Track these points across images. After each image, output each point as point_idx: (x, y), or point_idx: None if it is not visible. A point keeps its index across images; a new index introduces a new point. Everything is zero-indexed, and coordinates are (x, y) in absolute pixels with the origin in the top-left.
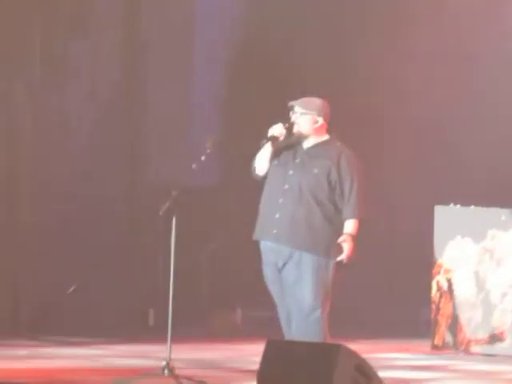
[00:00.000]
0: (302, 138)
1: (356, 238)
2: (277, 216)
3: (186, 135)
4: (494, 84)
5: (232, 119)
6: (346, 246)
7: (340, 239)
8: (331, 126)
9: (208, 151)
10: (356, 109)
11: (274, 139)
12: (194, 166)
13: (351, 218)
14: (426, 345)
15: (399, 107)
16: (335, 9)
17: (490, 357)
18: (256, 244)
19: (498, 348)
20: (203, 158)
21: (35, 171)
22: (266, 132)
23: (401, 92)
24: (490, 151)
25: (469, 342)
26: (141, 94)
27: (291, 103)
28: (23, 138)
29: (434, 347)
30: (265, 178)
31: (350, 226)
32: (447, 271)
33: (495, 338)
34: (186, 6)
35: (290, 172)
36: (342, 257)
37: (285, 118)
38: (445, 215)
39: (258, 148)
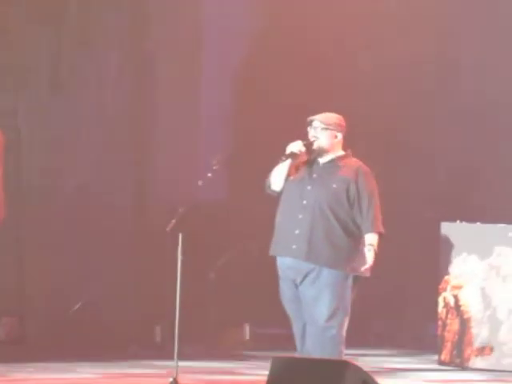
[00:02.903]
0: (322, 153)
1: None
2: (296, 232)
3: (194, 151)
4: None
5: (240, 134)
6: (370, 256)
7: (365, 249)
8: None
9: (215, 168)
10: (363, 124)
11: (293, 156)
12: (200, 182)
13: (371, 231)
14: (432, 360)
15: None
16: (347, 19)
17: (496, 372)
18: (264, 260)
19: (505, 364)
20: (210, 174)
21: (43, 185)
22: (274, 147)
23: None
24: (498, 167)
25: (475, 357)
26: (148, 107)
27: (311, 118)
28: (31, 151)
29: (441, 362)
30: (280, 193)
31: (371, 238)
32: (454, 287)
33: (502, 354)
34: (193, 18)
35: (308, 187)
36: (366, 267)
37: (295, 133)
38: (451, 232)
39: (270, 164)
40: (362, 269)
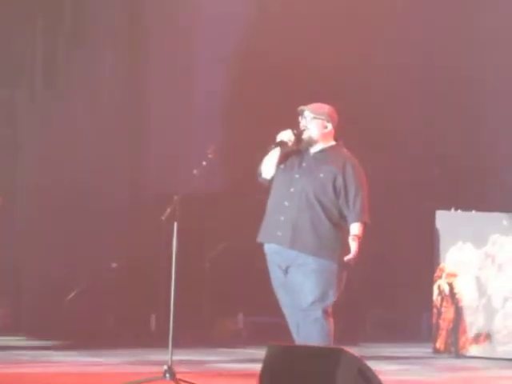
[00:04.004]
0: (311, 143)
1: (361, 242)
2: (282, 219)
3: (189, 140)
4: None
5: (234, 125)
6: (354, 246)
7: (349, 239)
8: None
9: (209, 157)
10: (355, 115)
11: (282, 144)
12: (195, 171)
13: (356, 221)
14: (427, 348)
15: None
16: (339, 13)
17: (491, 360)
18: (258, 249)
19: (500, 351)
20: (204, 163)
21: (38, 180)
22: (269, 137)
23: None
24: (492, 154)
25: (470, 345)
26: (143, 99)
27: (301, 108)
28: (26, 146)
29: (436, 351)
30: (271, 181)
31: (355, 228)
32: (449, 276)
33: (496, 342)
34: (189, 13)
35: (296, 176)
36: (350, 257)
37: (288, 123)
38: (446, 220)
39: (263, 153)
40: (346, 259)
